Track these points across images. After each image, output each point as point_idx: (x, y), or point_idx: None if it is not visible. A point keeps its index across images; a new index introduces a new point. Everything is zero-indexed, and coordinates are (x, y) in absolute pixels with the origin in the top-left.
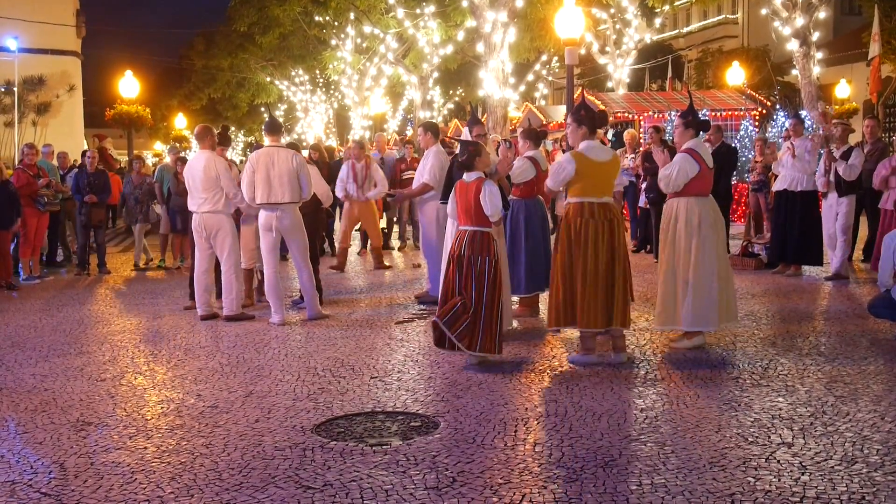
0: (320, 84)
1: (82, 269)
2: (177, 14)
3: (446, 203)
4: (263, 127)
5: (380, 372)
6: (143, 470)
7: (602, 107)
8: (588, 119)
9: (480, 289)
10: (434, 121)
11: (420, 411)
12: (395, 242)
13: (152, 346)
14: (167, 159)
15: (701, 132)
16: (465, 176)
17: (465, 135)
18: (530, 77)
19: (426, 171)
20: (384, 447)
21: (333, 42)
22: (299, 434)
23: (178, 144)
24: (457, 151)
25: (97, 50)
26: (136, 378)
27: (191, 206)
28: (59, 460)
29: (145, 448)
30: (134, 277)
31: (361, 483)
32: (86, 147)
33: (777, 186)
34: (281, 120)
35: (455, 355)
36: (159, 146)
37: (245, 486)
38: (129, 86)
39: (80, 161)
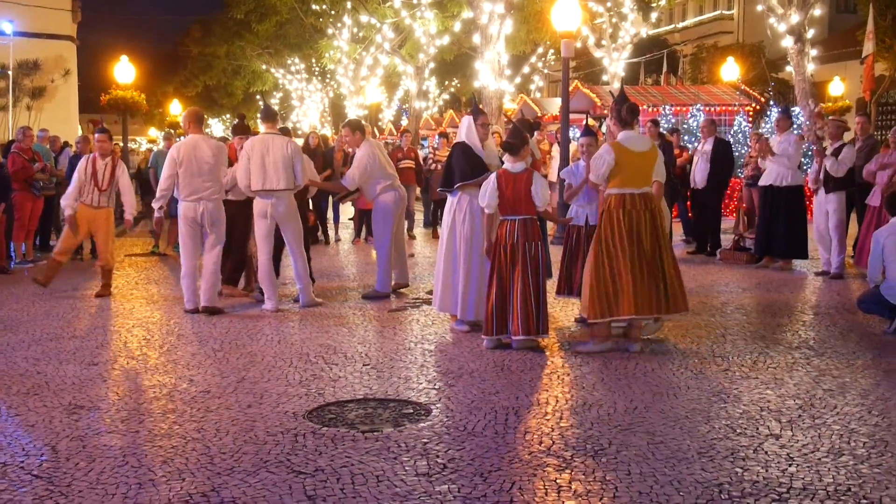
0: (316, 73)
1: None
2: (174, 1)
3: (447, 190)
4: (259, 114)
5: (372, 359)
6: (134, 453)
7: (597, 100)
8: (617, 113)
9: (536, 273)
10: (359, 119)
11: (412, 399)
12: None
13: (145, 331)
14: (161, 145)
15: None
16: (509, 166)
17: (464, 124)
18: (526, 69)
19: (351, 172)
20: (376, 434)
21: (330, 31)
22: (291, 420)
23: (172, 131)
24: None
25: (93, 35)
26: (128, 362)
27: (191, 194)
28: (51, 443)
29: (137, 432)
30: (127, 263)
31: (352, 469)
32: (80, 132)
33: (762, 181)
34: (276, 108)
35: (449, 347)
36: (154, 132)
37: (236, 470)
38: (124, 71)
39: (73, 145)
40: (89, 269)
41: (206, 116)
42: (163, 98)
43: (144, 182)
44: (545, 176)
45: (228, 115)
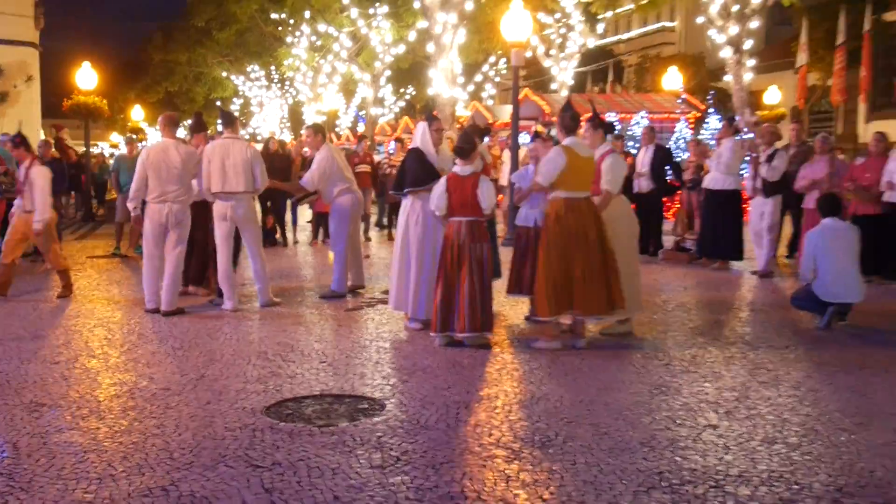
0: (275, 80)
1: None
2: (135, 8)
3: (401, 193)
4: (219, 119)
5: (328, 357)
6: (95, 449)
7: (546, 108)
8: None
9: (481, 272)
10: (321, 122)
11: (367, 394)
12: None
13: (106, 330)
14: (123, 150)
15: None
16: (457, 169)
17: (419, 130)
18: (478, 77)
19: (309, 174)
20: (332, 428)
21: (289, 39)
22: (249, 416)
23: (134, 136)
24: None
25: (55, 41)
26: (89, 361)
27: (159, 197)
28: (12, 440)
29: (98, 428)
30: (89, 264)
31: (309, 462)
32: (42, 136)
33: (704, 185)
34: (236, 114)
35: (403, 344)
36: (116, 137)
37: (195, 465)
38: (86, 77)
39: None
40: (50, 270)
41: (180, 120)
42: (125, 104)
43: (100, 185)
44: (496, 180)
45: (190, 121)
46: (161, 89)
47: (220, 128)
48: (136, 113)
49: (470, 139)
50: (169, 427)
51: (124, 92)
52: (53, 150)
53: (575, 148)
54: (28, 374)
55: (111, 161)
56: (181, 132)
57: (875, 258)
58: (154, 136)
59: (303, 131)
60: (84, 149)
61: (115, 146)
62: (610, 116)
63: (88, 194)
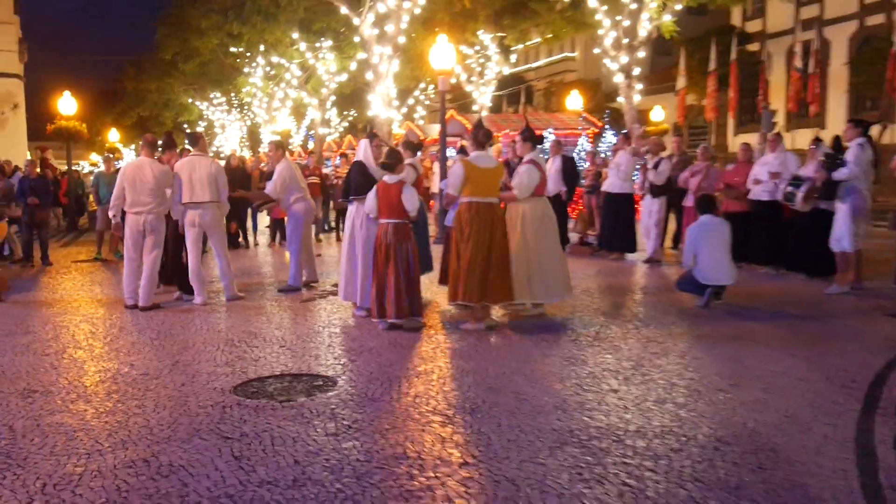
0: (235, 105)
1: (27, 261)
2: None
3: (347, 200)
4: (186, 139)
5: (287, 342)
6: (83, 429)
7: (469, 126)
8: (475, 136)
9: (407, 267)
10: (282, 140)
11: (321, 373)
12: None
13: (90, 325)
14: (101, 167)
15: (537, 146)
16: (386, 178)
17: (362, 146)
18: (410, 101)
19: (272, 183)
20: (291, 403)
21: (246, 69)
22: (219, 394)
23: (111, 155)
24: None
25: (39, 73)
26: (76, 352)
27: (135, 207)
28: (8, 423)
29: (85, 410)
30: (74, 268)
31: (273, 432)
32: (29, 157)
33: (603, 189)
34: (202, 134)
35: (352, 329)
36: (95, 157)
37: (173, 438)
38: (67, 104)
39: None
40: (38, 274)
41: (158, 142)
42: (102, 127)
43: (76, 199)
44: (428, 188)
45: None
46: (134, 114)
47: (188, 146)
48: (113, 135)
49: (395, 155)
50: (149, 407)
51: (101, 117)
52: (38, 168)
53: (475, 161)
54: (21, 365)
55: (90, 178)
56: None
57: (743, 247)
58: (129, 154)
59: (262, 148)
60: (66, 167)
61: (94, 164)
62: None
63: (73, 207)
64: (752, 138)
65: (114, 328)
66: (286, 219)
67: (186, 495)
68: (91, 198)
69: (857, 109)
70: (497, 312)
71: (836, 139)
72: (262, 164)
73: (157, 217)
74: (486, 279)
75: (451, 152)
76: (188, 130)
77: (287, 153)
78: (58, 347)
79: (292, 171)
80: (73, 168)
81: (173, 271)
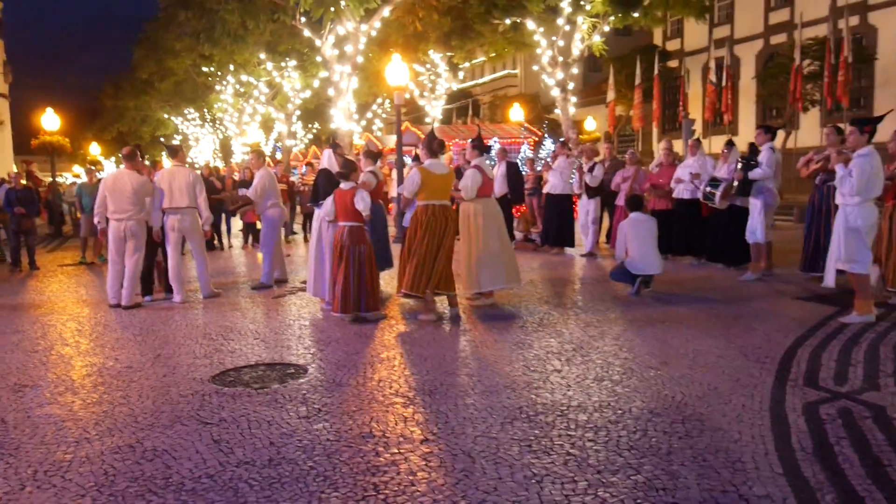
0: (208, 119)
1: (15, 267)
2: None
3: (315, 204)
4: (167, 151)
5: (261, 334)
6: (71, 419)
7: (422, 136)
8: (429, 145)
9: (358, 269)
10: (264, 148)
11: (293, 362)
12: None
13: (77, 323)
14: (84, 179)
15: (484, 153)
16: (342, 185)
17: (326, 156)
18: (369, 114)
19: (253, 188)
20: (266, 390)
21: (217, 87)
22: (199, 384)
23: (92, 167)
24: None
25: (23, 92)
26: (63, 348)
27: (116, 214)
28: (0, 416)
29: (73, 402)
30: (60, 272)
31: (249, 417)
32: (15, 169)
33: (545, 190)
34: (181, 147)
35: (320, 321)
36: (77, 169)
37: (156, 425)
38: (50, 120)
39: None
40: (26, 278)
41: (138, 153)
42: (84, 141)
43: (55, 207)
44: (387, 192)
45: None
46: (114, 129)
47: (168, 157)
48: (94, 148)
49: (350, 164)
50: (133, 397)
51: (83, 132)
52: (23, 180)
53: (430, 168)
54: (11, 362)
55: (74, 188)
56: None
57: (668, 240)
58: (109, 166)
59: (234, 159)
60: (51, 179)
61: (77, 176)
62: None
63: (59, 215)
64: (676, 144)
65: (99, 326)
66: (259, 222)
67: (170, 477)
68: (71, 206)
69: (764, 118)
70: (463, 303)
71: (752, 145)
72: (234, 174)
73: (138, 223)
74: (433, 272)
75: (407, 160)
76: (168, 144)
77: (267, 162)
78: (46, 345)
79: (271, 178)
80: (52, 180)
81: (148, 274)
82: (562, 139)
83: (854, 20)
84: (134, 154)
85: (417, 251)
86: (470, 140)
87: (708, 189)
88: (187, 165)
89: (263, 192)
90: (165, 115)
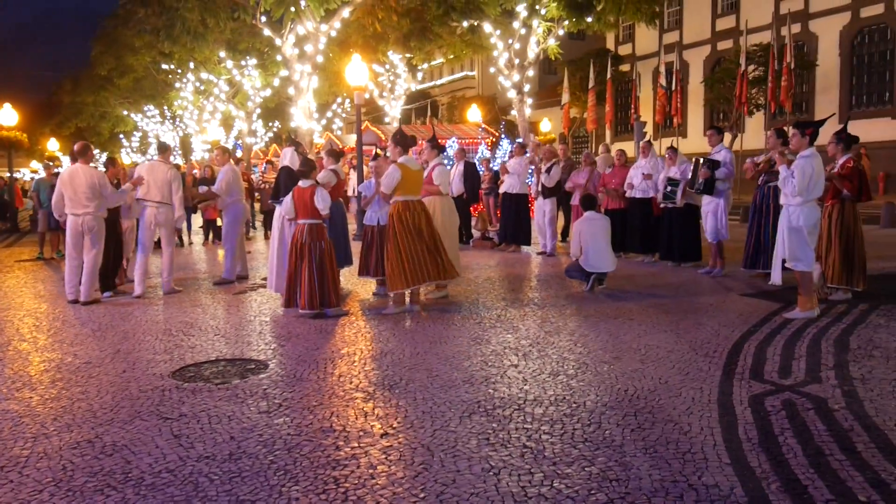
0: (168, 117)
1: None
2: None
3: (276, 201)
4: (157, 146)
5: (221, 330)
6: (29, 414)
7: (382, 136)
8: (402, 142)
9: (319, 265)
10: (227, 145)
11: (253, 357)
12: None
13: (34, 319)
14: (42, 174)
15: (441, 152)
16: (301, 183)
17: (287, 153)
18: (329, 113)
19: (218, 183)
20: (226, 385)
21: (177, 85)
22: (159, 379)
23: (51, 163)
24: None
25: None
26: (21, 344)
27: (72, 209)
28: None
29: (31, 398)
30: (17, 267)
31: (209, 412)
32: None
33: (502, 190)
34: (164, 143)
35: (280, 317)
36: (35, 164)
37: (115, 420)
38: (7, 115)
39: None
40: None
41: (91, 148)
42: (42, 137)
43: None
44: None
45: (98, 151)
46: (72, 125)
47: (151, 152)
48: (52, 144)
49: (309, 163)
50: (92, 392)
51: (41, 127)
52: None
53: (407, 164)
54: None
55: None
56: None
57: (622, 239)
58: (67, 161)
59: (193, 156)
60: (8, 174)
61: (34, 171)
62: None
63: (15, 210)
64: (628, 146)
65: (57, 321)
66: (220, 218)
67: (129, 472)
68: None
69: (712, 121)
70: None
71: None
72: (195, 171)
73: (95, 218)
74: (426, 262)
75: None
76: (160, 140)
77: (232, 158)
78: (3, 340)
79: (236, 174)
80: (10, 175)
81: (107, 269)
82: (519, 140)
83: (796, 28)
84: (86, 149)
85: (401, 247)
86: (427, 140)
87: (668, 189)
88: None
89: (228, 187)
90: (125, 112)
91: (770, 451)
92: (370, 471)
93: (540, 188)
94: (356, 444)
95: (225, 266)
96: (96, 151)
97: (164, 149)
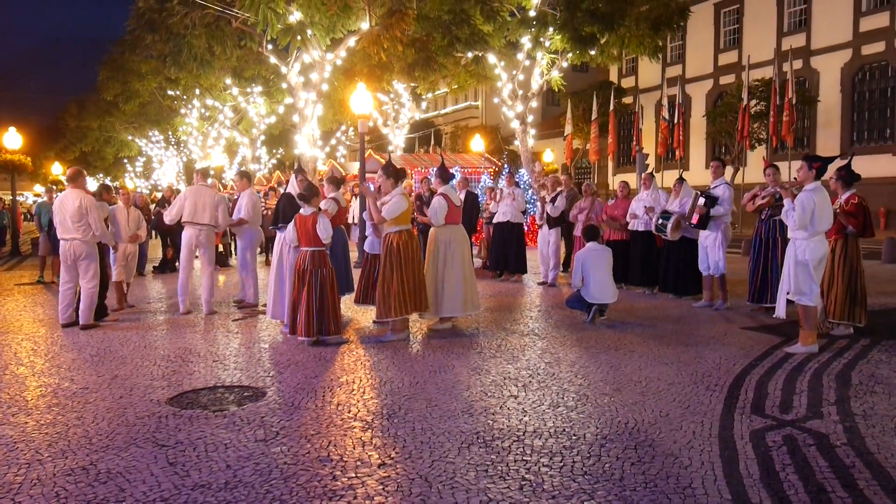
0: (172, 142)
1: None
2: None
3: (277, 228)
4: (196, 171)
5: (220, 356)
6: (24, 440)
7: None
8: (394, 173)
9: (320, 293)
10: (247, 170)
11: (251, 384)
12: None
13: (32, 343)
14: (44, 198)
15: (449, 181)
16: (302, 210)
17: (292, 181)
18: (333, 141)
19: (242, 208)
20: (224, 412)
21: (183, 111)
22: (156, 406)
23: (54, 187)
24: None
25: None
26: (18, 368)
27: (62, 234)
28: None
29: (26, 423)
30: (16, 290)
31: (206, 440)
32: None
33: (496, 220)
34: (206, 168)
35: (279, 344)
36: (38, 188)
37: (111, 447)
38: (12, 139)
39: None
40: None
41: (83, 174)
42: (45, 161)
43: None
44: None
45: (101, 175)
46: (77, 149)
47: (194, 177)
48: (56, 168)
49: (312, 189)
50: (88, 418)
51: (45, 151)
52: None
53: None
54: None
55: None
56: (92, 185)
57: (623, 270)
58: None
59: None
60: (11, 197)
61: (38, 195)
62: (433, 170)
63: (17, 233)
64: (630, 177)
65: (55, 346)
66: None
67: (123, 500)
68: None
69: (714, 154)
70: (413, 328)
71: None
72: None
73: (83, 243)
74: (423, 291)
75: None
76: (201, 167)
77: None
78: (0, 364)
79: (257, 199)
80: (13, 199)
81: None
82: (508, 169)
83: (798, 63)
84: (78, 175)
85: (398, 275)
86: (436, 169)
87: (660, 221)
88: (150, 186)
89: (255, 210)
90: (129, 137)
91: (771, 487)
92: (367, 501)
93: (544, 218)
94: (353, 475)
95: (249, 290)
96: (100, 175)
97: (206, 174)
